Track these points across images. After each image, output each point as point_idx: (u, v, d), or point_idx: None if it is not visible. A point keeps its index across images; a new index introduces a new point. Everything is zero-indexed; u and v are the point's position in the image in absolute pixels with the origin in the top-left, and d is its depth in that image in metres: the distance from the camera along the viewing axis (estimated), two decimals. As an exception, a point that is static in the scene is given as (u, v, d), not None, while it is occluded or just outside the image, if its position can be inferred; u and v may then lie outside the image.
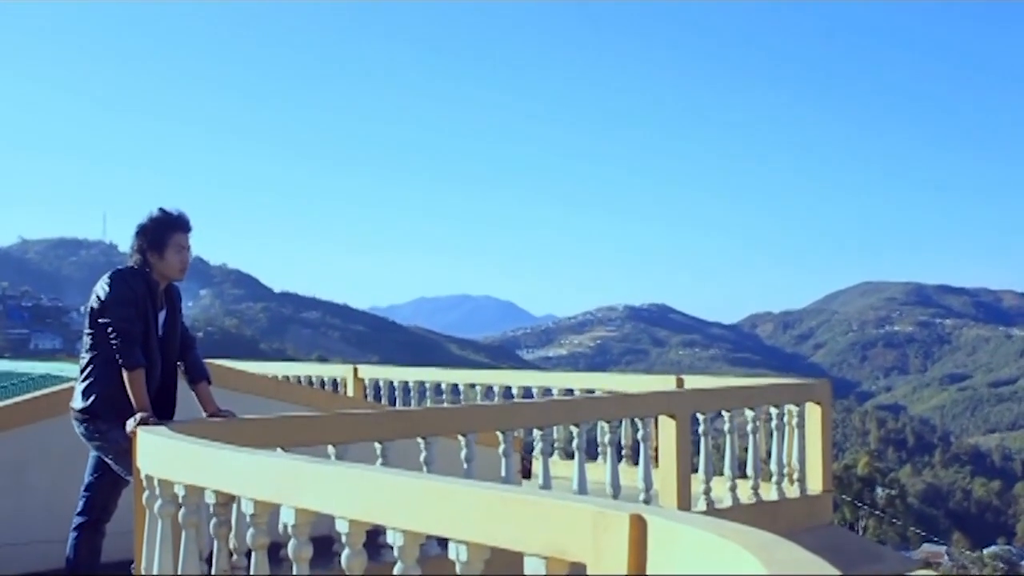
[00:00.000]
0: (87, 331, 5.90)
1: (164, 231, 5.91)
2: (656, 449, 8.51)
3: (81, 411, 5.79)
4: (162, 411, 5.73)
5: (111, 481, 5.84)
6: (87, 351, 5.88)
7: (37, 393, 7.72)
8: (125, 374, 5.61)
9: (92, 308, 5.82)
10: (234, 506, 4.37)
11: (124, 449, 5.53)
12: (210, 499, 4.33)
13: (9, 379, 9.25)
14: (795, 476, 9.26)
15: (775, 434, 9.11)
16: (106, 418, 5.71)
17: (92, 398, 5.75)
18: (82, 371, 5.89)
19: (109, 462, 5.78)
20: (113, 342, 5.65)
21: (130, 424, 5.39)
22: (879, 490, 78.23)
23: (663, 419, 8.26)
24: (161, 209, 6.03)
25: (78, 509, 5.94)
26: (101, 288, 5.79)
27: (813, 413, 9.38)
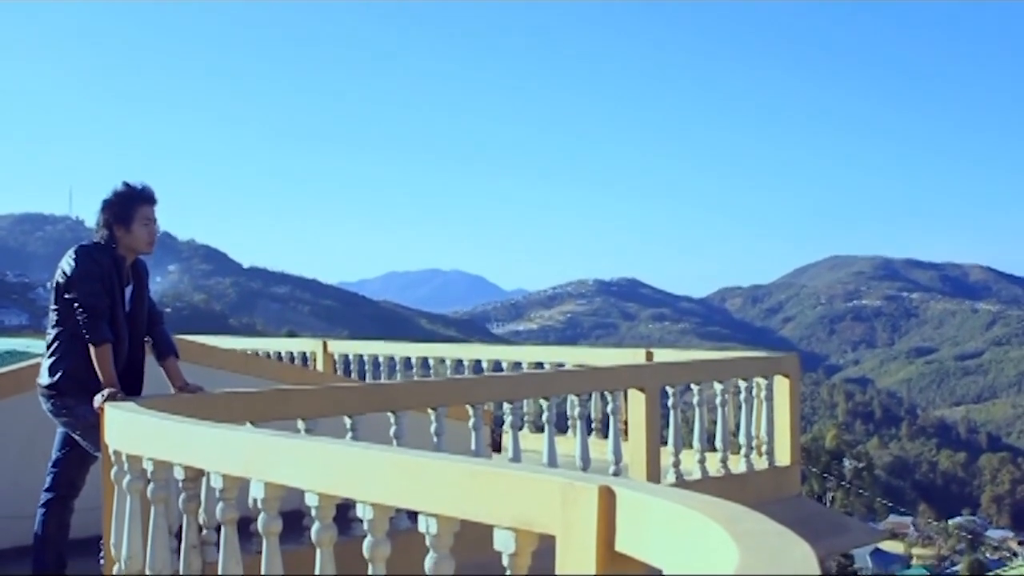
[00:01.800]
0: (53, 307, 5.83)
1: (130, 204, 5.83)
2: (625, 422, 8.54)
3: (48, 387, 5.73)
4: (130, 386, 5.69)
5: (78, 457, 5.78)
6: (53, 327, 5.82)
7: (2, 370, 7.66)
8: (92, 350, 5.56)
9: (58, 283, 5.74)
10: (203, 481, 4.37)
11: (91, 425, 5.50)
12: (179, 474, 4.32)
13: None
14: (763, 448, 9.31)
15: (744, 407, 9.16)
16: (72, 394, 5.66)
17: (59, 374, 5.68)
18: (48, 347, 5.83)
19: (76, 438, 5.73)
20: (80, 318, 5.59)
21: (97, 400, 5.34)
22: (847, 462, 78.93)
23: (632, 392, 8.28)
24: (125, 183, 5.95)
25: (46, 485, 5.88)
26: (67, 263, 5.71)
27: (781, 386, 9.44)
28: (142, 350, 5.99)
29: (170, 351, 6.06)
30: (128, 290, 5.89)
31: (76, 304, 5.62)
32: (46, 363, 5.81)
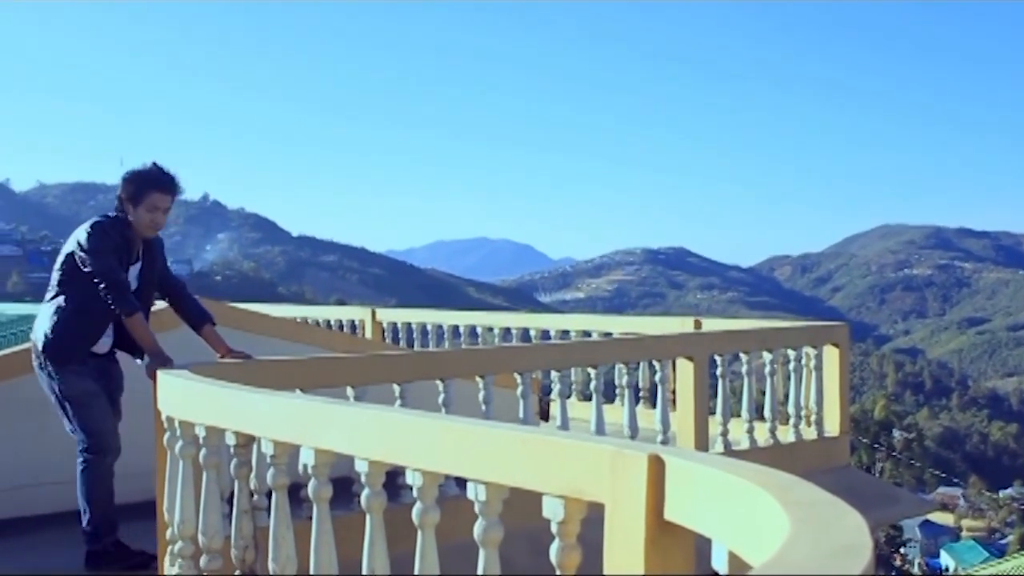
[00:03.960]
0: (57, 271, 5.93)
1: (144, 186, 5.84)
2: (673, 391, 8.52)
3: (41, 348, 5.87)
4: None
5: (98, 414, 5.92)
6: (54, 291, 5.92)
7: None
8: (125, 321, 5.72)
9: (70, 253, 5.82)
10: (254, 447, 4.41)
11: (68, 396, 5.80)
12: (230, 440, 4.36)
13: (30, 322, 9.28)
14: (812, 418, 9.26)
15: (793, 376, 9.11)
16: (57, 361, 5.82)
17: (47, 338, 5.81)
18: (47, 308, 5.94)
19: (55, 405, 5.94)
20: (105, 292, 5.67)
21: (146, 365, 5.53)
22: (896, 433, 78.33)
23: (681, 361, 8.26)
24: (155, 163, 5.99)
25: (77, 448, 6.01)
26: (83, 236, 5.78)
27: (831, 356, 9.38)
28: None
29: (204, 318, 6.07)
30: (135, 268, 5.93)
31: (96, 279, 5.69)
32: (42, 324, 5.91)
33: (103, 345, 5.97)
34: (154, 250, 6.05)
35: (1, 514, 6.90)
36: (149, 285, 6.02)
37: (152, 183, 5.84)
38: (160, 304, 6.37)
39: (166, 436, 4.98)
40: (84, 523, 5.92)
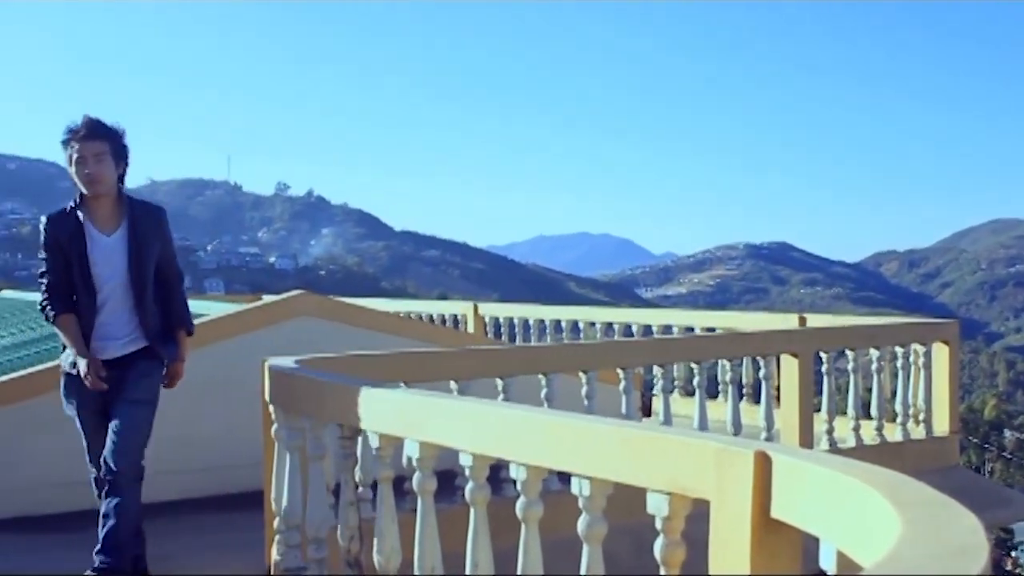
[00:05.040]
0: None
1: (63, 146, 5.29)
2: (778, 388, 8.44)
3: None
4: (112, 332, 5.34)
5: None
6: None
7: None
8: (56, 326, 5.41)
9: None
10: (360, 440, 4.46)
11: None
12: (336, 433, 4.41)
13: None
14: (921, 417, 9.09)
15: (900, 374, 8.94)
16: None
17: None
18: None
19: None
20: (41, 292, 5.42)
21: (82, 369, 5.23)
22: (1007, 433, 76.50)
23: (785, 358, 8.17)
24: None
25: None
26: None
27: (940, 353, 9.19)
28: (138, 296, 5.35)
29: (182, 324, 5.62)
30: (111, 236, 5.29)
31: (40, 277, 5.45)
32: None
33: (107, 349, 5.36)
34: (141, 218, 5.37)
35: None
36: (139, 254, 5.30)
37: (65, 138, 5.26)
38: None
39: (274, 428, 5.06)
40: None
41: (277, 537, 5.04)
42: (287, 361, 5.07)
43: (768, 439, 7.76)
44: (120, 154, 5.35)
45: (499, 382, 6.20)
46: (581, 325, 13.00)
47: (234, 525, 6.47)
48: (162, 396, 7.15)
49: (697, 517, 2.87)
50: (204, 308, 9.49)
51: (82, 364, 5.24)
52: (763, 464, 2.57)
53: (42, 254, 5.36)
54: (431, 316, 15.19)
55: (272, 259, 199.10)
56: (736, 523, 2.62)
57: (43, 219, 5.38)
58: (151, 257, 5.37)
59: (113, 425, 5.28)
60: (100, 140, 5.24)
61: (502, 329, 14.26)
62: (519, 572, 3.40)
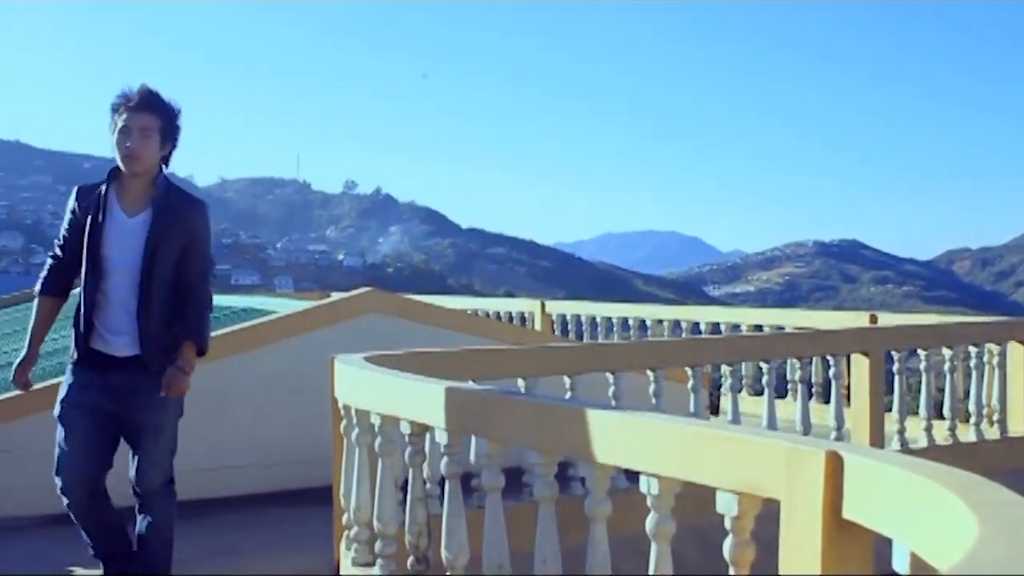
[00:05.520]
0: None
1: (113, 110, 4.82)
2: (848, 387, 8.36)
3: None
4: (117, 330, 4.75)
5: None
6: None
7: (240, 326, 8.02)
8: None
9: None
10: (428, 436, 4.47)
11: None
12: (405, 429, 4.43)
13: (213, 312, 9.63)
14: (995, 417, 8.95)
15: (974, 373, 8.81)
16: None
17: None
18: None
19: None
20: None
21: (15, 363, 4.85)
22: (1084, 434, 75.02)
23: (856, 357, 8.09)
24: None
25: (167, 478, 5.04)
26: None
27: (1016, 353, 9.03)
28: (154, 290, 4.74)
29: (184, 334, 4.83)
30: (133, 219, 4.75)
31: None
32: None
33: (114, 344, 4.77)
34: (173, 206, 4.80)
35: (184, 495, 7.16)
36: (157, 244, 4.70)
37: (115, 103, 4.79)
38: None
39: (343, 424, 5.09)
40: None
41: (345, 533, 5.08)
42: (356, 357, 5.10)
43: (838, 439, 7.68)
44: (169, 134, 4.86)
45: (567, 380, 6.20)
46: (649, 323, 12.95)
47: (302, 520, 6.53)
48: (234, 393, 7.24)
49: (766, 517, 2.85)
50: (273, 305, 9.59)
51: (19, 356, 4.81)
52: (835, 464, 2.54)
53: (64, 227, 4.88)
54: (498, 313, 15.21)
55: (340, 256, 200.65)
56: (807, 524, 2.59)
57: (74, 189, 4.91)
58: (171, 251, 4.74)
59: (140, 451, 4.81)
60: (152, 114, 4.76)
61: (569, 327, 14.24)
62: (586, 571, 3.40)
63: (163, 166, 4.90)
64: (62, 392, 4.80)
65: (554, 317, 14.53)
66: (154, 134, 4.76)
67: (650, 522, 3.15)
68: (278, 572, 5.76)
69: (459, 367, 5.54)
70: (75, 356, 4.79)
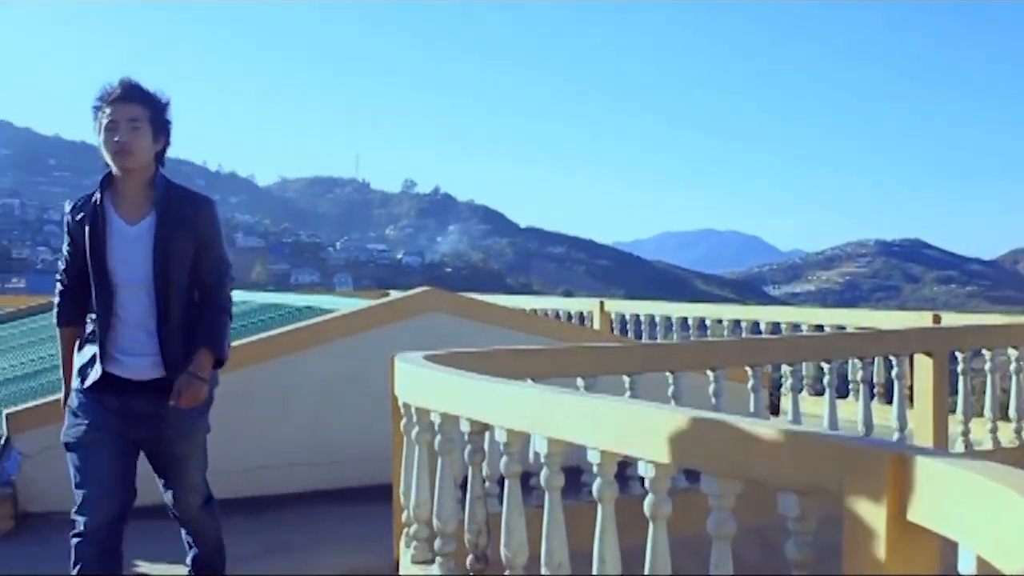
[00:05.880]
0: None
1: (94, 111, 4.34)
2: (911, 388, 8.26)
3: None
4: (134, 348, 4.27)
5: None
6: None
7: (300, 324, 8.08)
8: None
9: None
10: (487, 435, 4.48)
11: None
12: (465, 427, 4.44)
13: (274, 311, 9.73)
14: (1062, 419, 8.80)
15: (1041, 374, 8.67)
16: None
17: None
18: None
19: None
20: None
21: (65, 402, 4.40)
22: None
23: (919, 357, 7.99)
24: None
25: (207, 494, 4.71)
26: None
27: (1084, 354, 8.88)
28: (166, 315, 4.28)
29: (201, 342, 4.32)
30: (135, 226, 4.27)
31: None
32: None
33: (132, 367, 4.28)
34: (175, 207, 4.32)
35: (243, 492, 7.25)
36: (166, 251, 4.24)
37: (96, 103, 4.33)
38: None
39: (403, 422, 5.12)
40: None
41: (405, 530, 5.10)
42: (416, 356, 5.12)
43: (901, 440, 7.60)
44: (160, 127, 4.36)
45: (626, 379, 6.18)
46: (708, 322, 12.89)
47: (362, 517, 6.57)
48: (294, 391, 7.28)
49: (828, 518, 2.82)
50: (332, 304, 9.66)
51: (65, 394, 4.38)
52: (899, 465, 2.51)
53: (65, 248, 4.42)
54: (557, 313, 15.22)
55: (399, 255, 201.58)
56: (871, 526, 2.56)
57: (67, 204, 4.42)
58: (183, 257, 4.29)
59: (175, 482, 4.46)
60: (139, 104, 4.29)
61: (628, 326, 14.22)
62: (646, 571, 3.39)
63: (159, 165, 4.42)
64: (73, 419, 4.28)
65: (613, 316, 14.52)
66: (144, 125, 4.28)
67: (711, 522, 3.13)
68: (338, 569, 5.80)
69: (518, 366, 5.54)
70: (87, 381, 4.26)
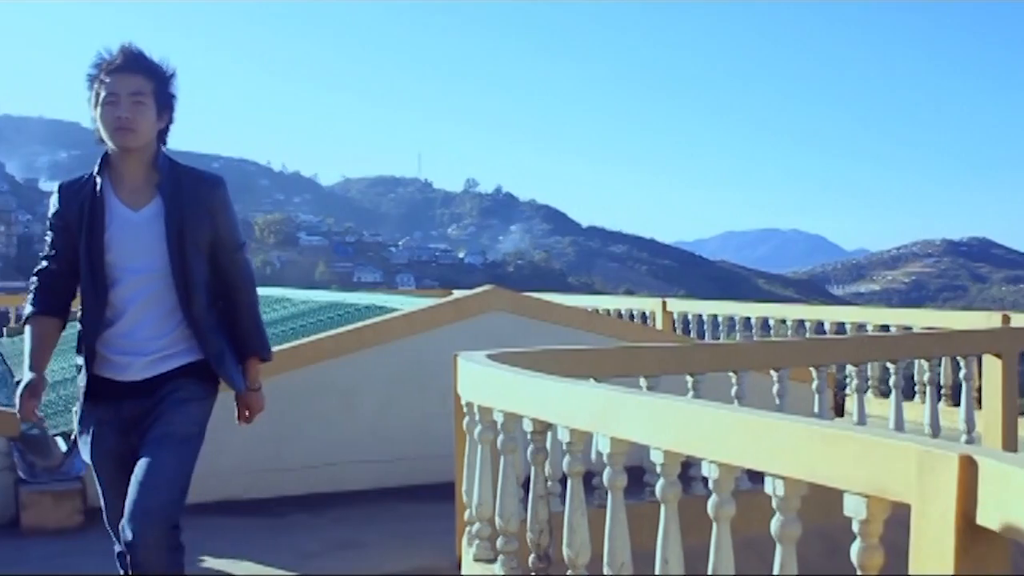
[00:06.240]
0: None
1: (89, 81, 3.90)
2: (979, 389, 8.15)
3: None
4: (135, 341, 3.85)
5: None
6: None
7: (363, 323, 8.13)
8: None
9: None
10: (550, 434, 4.48)
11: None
12: (527, 427, 4.45)
13: (337, 309, 9.80)
14: None
15: (1113, 377, 8.53)
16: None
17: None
18: None
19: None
20: None
21: (18, 389, 3.81)
22: None
23: (988, 358, 7.88)
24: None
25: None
26: None
27: None
28: (189, 303, 3.86)
29: (251, 350, 4.10)
30: (139, 212, 3.85)
31: None
32: None
33: (129, 367, 3.87)
34: (185, 188, 3.91)
35: (306, 489, 7.31)
36: (182, 235, 3.83)
37: (92, 72, 3.89)
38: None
39: (465, 421, 5.13)
40: None
41: (467, 529, 5.12)
42: (479, 355, 5.13)
43: (969, 442, 7.49)
44: (165, 102, 3.93)
45: (689, 379, 6.15)
46: (772, 322, 12.80)
47: (425, 515, 6.61)
48: (358, 389, 7.32)
49: (896, 521, 2.79)
50: (395, 303, 9.71)
51: (27, 379, 3.80)
52: (968, 468, 2.47)
53: (47, 235, 4.01)
54: (619, 312, 15.19)
55: (461, 255, 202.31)
56: (939, 529, 2.53)
57: (58, 186, 4.00)
58: (199, 241, 3.89)
59: (138, 473, 3.65)
60: (142, 75, 3.85)
61: (691, 326, 14.16)
62: (710, 571, 3.37)
63: (162, 145, 3.99)
64: (82, 437, 3.96)
65: (676, 316, 14.47)
66: (148, 99, 3.84)
67: (775, 524, 3.11)
68: (401, 566, 5.83)
69: (581, 365, 5.53)
70: (81, 395, 3.94)
